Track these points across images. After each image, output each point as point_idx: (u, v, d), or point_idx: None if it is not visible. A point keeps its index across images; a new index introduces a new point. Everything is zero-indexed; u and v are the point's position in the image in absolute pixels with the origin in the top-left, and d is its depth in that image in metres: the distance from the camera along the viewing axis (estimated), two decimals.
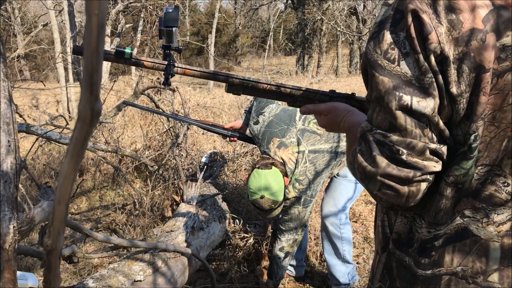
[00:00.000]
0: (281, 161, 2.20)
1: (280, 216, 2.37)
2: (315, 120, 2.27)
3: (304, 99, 1.12)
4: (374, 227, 1.04)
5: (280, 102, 2.46)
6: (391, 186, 0.80)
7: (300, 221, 2.30)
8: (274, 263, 2.40)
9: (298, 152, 2.20)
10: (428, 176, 0.80)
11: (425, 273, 0.85)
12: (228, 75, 1.06)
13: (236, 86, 1.08)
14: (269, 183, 2.12)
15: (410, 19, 0.75)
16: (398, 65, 0.76)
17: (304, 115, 2.30)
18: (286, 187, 2.19)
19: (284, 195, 2.20)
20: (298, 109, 2.41)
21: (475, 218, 0.81)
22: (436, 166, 0.79)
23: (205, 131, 5.39)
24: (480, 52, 0.73)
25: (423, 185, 0.80)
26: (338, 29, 12.58)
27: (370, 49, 0.80)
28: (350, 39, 14.63)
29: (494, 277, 0.80)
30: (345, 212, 2.53)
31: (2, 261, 0.72)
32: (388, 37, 0.77)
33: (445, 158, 0.80)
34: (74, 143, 0.40)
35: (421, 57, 0.75)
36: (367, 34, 12.59)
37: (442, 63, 0.75)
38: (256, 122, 2.37)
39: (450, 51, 0.74)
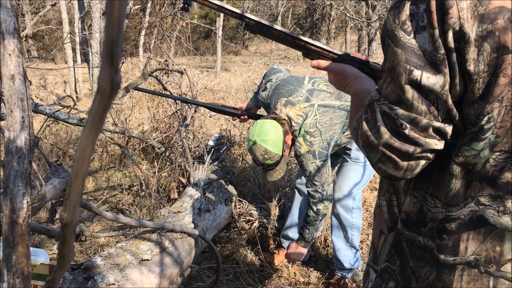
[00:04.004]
0: (286, 118, 2.18)
1: (305, 181, 2.31)
2: (325, 83, 2.28)
3: (318, 54, 1.11)
4: (375, 207, 1.04)
5: (288, 70, 2.50)
6: (391, 158, 0.81)
7: (322, 177, 2.21)
8: (309, 226, 2.32)
9: (307, 106, 2.18)
10: (428, 154, 0.80)
11: (441, 257, 0.84)
12: (244, 15, 1.05)
13: (252, 26, 1.08)
14: (263, 130, 2.10)
15: None
16: (414, 38, 0.75)
17: (314, 79, 2.31)
18: (296, 140, 2.17)
19: (296, 153, 2.18)
20: (306, 76, 2.42)
21: (491, 207, 0.79)
22: (438, 144, 0.79)
23: (213, 115, 5.39)
24: (506, 32, 0.71)
25: (422, 161, 0.81)
26: (347, 14, 12.43)
27: (389, 18, 0.79)
28: (359, 25, 14.46)
29: (508, 267, 0.79)
30: (357, 196, 2.52)
31: (16, 235, 0.73)
32: (408, 8, 0.76)
33: (448, 137, 0.80)
34: (93, 115, 0.40)
35: (436, 32, 0.73)
36: (377, 20, 12.43)
37: (460, 40, 0.73)
38: (264, 89, 2.39)
39: (474, 28, 0.72)
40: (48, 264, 1.21)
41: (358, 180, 2.49)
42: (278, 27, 1.08)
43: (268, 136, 2.09)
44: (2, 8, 0.89)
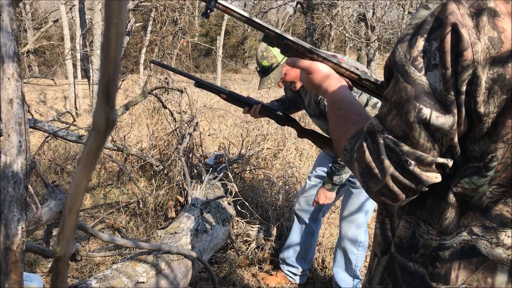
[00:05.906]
0: None
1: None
2: None
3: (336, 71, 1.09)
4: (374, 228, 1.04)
5: None
6: (393, 191, 0.80)
7: None
8: (339, 167, 2.27)
9: None
10: (427, 188, 0.80)
11: (433, 285, 0.84)
12: (265, 26, 1.04)
13: (271, 39, 1.07)
14: None
15: (447, 30, 0.72)
16: (425, 75, 0.74)
17: None
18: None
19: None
20: None
21: (484, 238, 0.79)
22: (438, 178, 0.79)
23: (212, 133, 5.39)
24: None
25: (419, 193, 0.82)
26: (347, 35, 12.52)
27: (400, 52, 0.77)
28: (358, 46, 14.57)
29: None
30: (365, 230, 2.50)
31: (9, 262, 0.72)
32: (420, 44, 0.75)
33: (447, 170, 0.80)
34: (87, 152, 0.40)
35: (448, 72, 0.72)
36: (375, 41, 12.53)
37: (471, 82, 0.72)
38: None
39: (485, 70, 0.71)
40: None
41: (365, 211, 2.44)
42: (297, 40, 1.05)
43: None
44: (3, 32, 0.89)
